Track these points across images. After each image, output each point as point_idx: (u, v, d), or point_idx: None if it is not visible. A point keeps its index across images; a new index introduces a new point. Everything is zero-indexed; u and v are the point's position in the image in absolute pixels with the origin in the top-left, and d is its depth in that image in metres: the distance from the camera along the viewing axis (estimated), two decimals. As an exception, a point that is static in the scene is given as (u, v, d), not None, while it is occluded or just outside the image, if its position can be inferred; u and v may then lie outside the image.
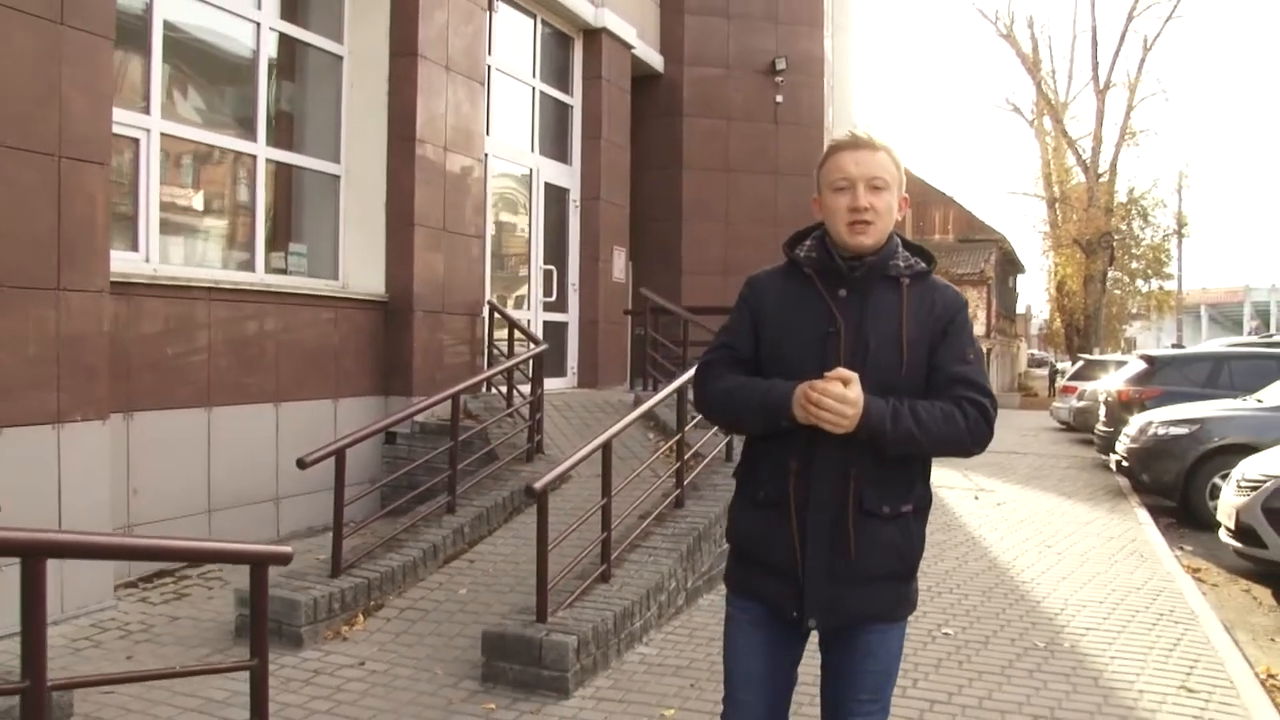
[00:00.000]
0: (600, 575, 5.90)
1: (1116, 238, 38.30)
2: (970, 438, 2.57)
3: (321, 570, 6.22)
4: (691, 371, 7.05)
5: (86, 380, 6.04)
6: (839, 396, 2.43)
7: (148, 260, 7.34)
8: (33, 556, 2.58)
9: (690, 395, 5.55)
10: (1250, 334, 48.12)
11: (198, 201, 8.26)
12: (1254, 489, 7.81)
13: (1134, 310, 44.92)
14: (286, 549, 3.39)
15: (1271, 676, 5.55)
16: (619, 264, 13.40)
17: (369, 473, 8.63)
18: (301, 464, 6.01)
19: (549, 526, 5.44)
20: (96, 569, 6.10)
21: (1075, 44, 50.05)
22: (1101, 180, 37.33)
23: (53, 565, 5.47)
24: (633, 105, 13.85)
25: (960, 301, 2.70)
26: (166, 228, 7.67)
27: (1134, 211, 39.23)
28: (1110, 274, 39.47)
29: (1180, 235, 40.22)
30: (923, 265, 2.69)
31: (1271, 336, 19.87)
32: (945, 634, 6.00)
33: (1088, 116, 38.34)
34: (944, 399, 2.57)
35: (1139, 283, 42.17)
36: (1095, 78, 37.73)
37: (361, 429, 6.85)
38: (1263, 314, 78.41)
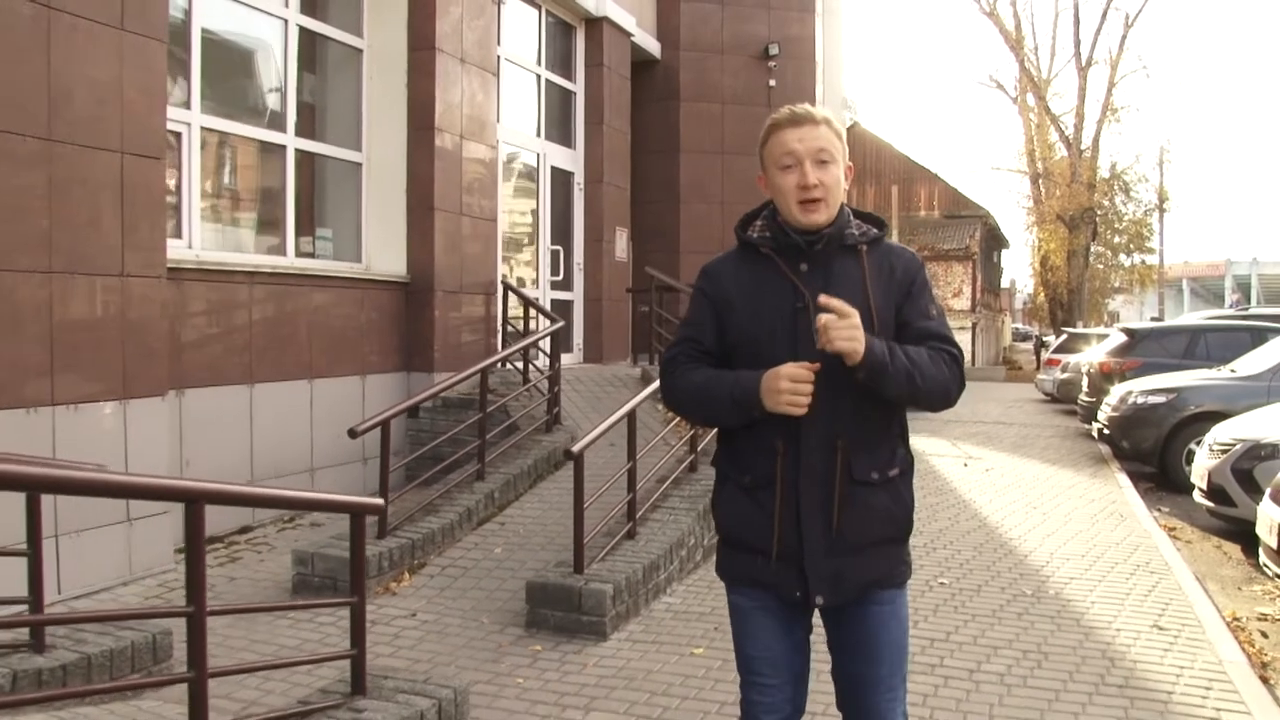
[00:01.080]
0: (627, 533, 6.46)
1: (1099, 213, 38.93)
2: (952, 384, 2.61)
3: (368, 532, 6.73)
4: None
5: (147, 360, 6.54)
6: (848, 315, 2.42)
7: (190, 246, 7.81)
8: (194, 502, 3.10)
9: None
10: (1231, 307, 48.86)
11: (233, 190, 8.75)
12: (1224, 452, 8.39)
13: (1116, 284, 45.54)
14: (378, 501, 3.93)
15: (1236, 619, 6.12)
16: (621, 244, 13.92)
17: (394, 444, 9.12)
18: (353, 433, 6.55)
19: (584, 477, 5.98)
20: (160, 535, 6.62)
21: (1057, 21, 50.69)
22: (1084, 156, 37.87)
23: (122, 531, 6.05)
24: (631, 90, 14.33)
25: (917, 262, 2.72)
26: (206, 215, 8.16)
27: (1116, 187, 39.88)
28: (1093, 249, 40.12)
29: (1162, 210, 40.84)
30: (875, 231, 2.70)
31: (1248, 310, 20.45)
32: (941, 584, 6.57)
33: (1070, 93, 38.91)
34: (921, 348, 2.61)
35: (1121, 257, 42.81)
36: (1077, 55, 38.28)
37: (405, 400, 7.45)
38: (1244, 287, 79.26)
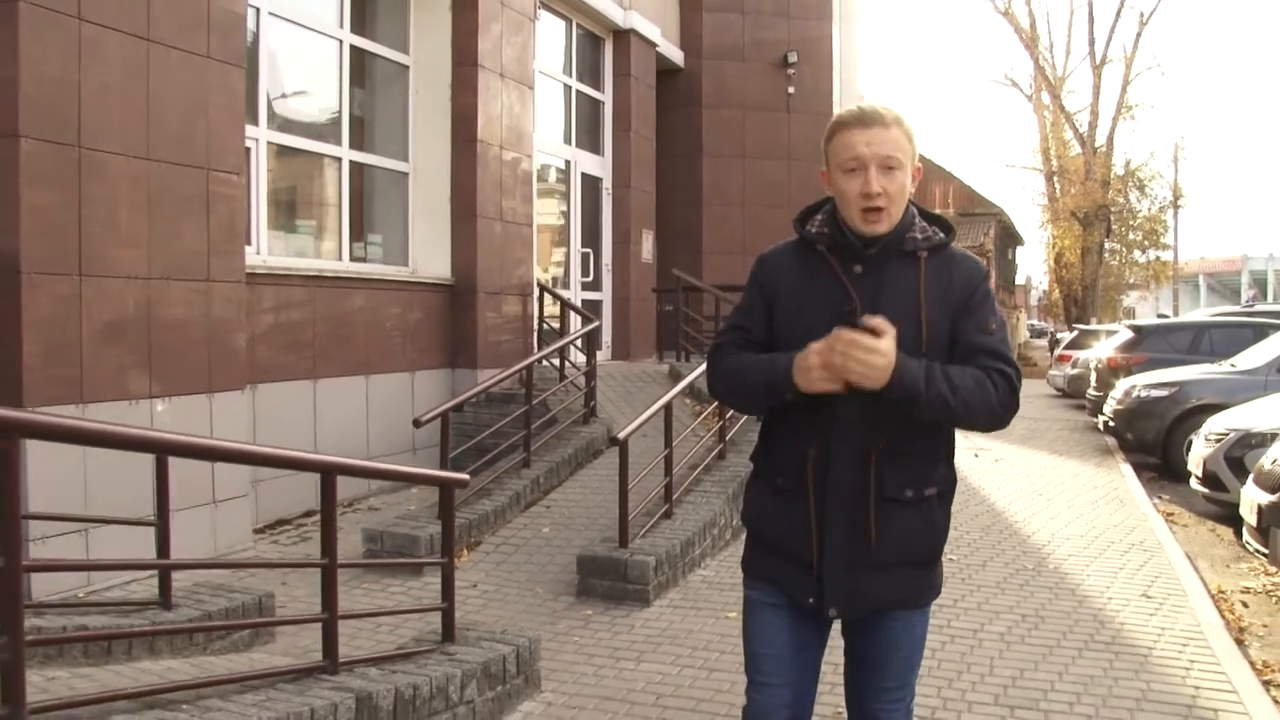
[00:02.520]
0: (665, 513, 7.12)
1: (1113, 210, 39.32)
2: (1000, 407, 2.49)
3: (429, 514, 7.41)
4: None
5: (229, 357, 7.23)
6: (870, 347, 2.31)
7: (259, 253, 8.49)
8: (329, 473, 3.77)
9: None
10: (1247, 303, 49.18)
11: (294, 199, 9.44)
12: (1219, 441, 9.00)
13: (1131, 281, 45.90)
14: (465, 476, 4.60)
15: (1221, 591, 6.73)
16: (647, 246, 14.59)
17: (435, 434, 9.80)
18: (417, 423, 7.25)
19: (618, 472, 6.64)
20: (241, 517, 7.31)
21: (1072, 19, 50.98)
22: (1099, 153, 38.28)
23: (209, 513, 6.70)
24: (656, 98, 15.00)
25: (981, 272, 2.61)
26: (271, 223, 8.83)
27: (1130, 184, 40.21)
28: (1107, 245, 40.51)
29: (1176, 207, 41.21)
30: (941, 236, 2.60)
31: (1252, 307, 20.99)
32: (950, 559, 7.20)
33: (1085, 91, 39.23)
34: (971, 368, 2.49)
35: (1136, 253, 43.15)
36: (1092, 53, 38.65)
37: (462, 394, 8.16)
38: (1260, 283, 79.30)
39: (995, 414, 2.49)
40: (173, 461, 6.37)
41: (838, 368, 2.34)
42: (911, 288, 2.52)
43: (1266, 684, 5.01)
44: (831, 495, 2.52)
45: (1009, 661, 5.22)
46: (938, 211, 2.67)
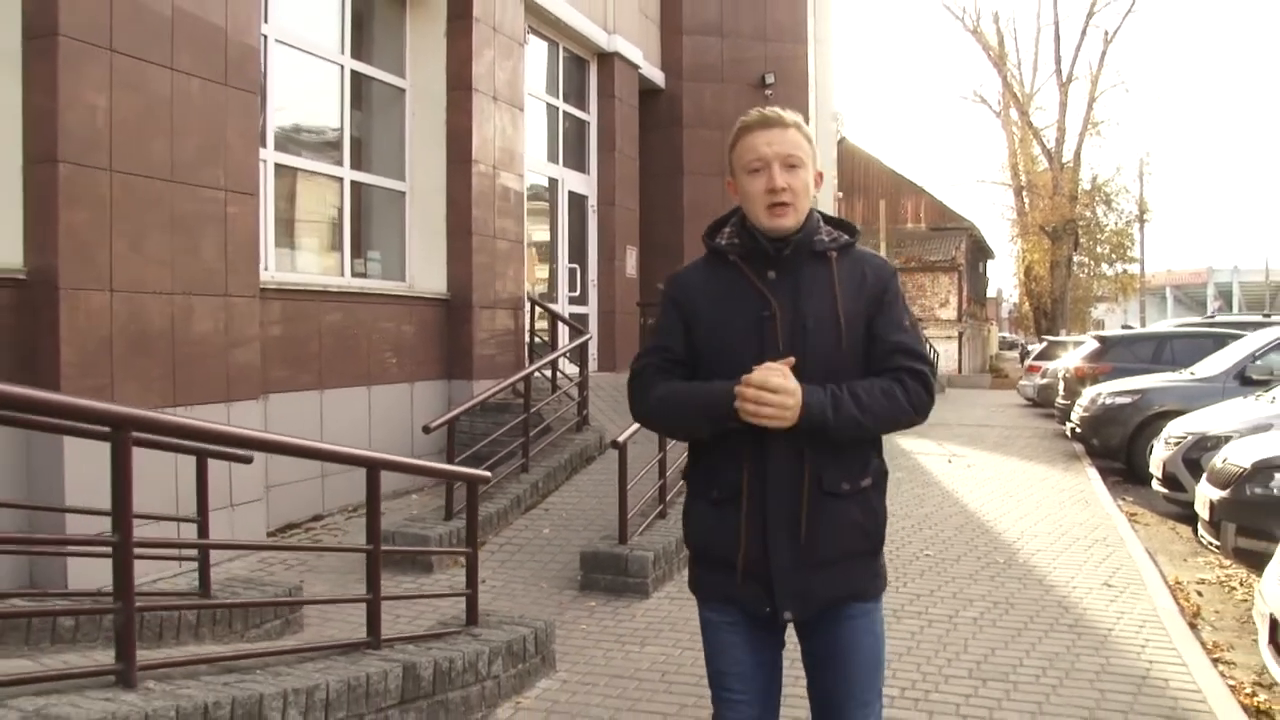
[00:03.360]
0: (659, 513, 7.58)
1: (1081, 224, 40.17)
2: (913, 409, 2.56)
3: (435, 516, 7.83)
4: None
5: (245, 369, 7.63)
6: (778, 388, 2.39)
7: (266, 269, 8.88)
8: (374, 468, 4.20)
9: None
10: (1213, 314, 50.09)
11: (298, 218, 9.85)
12: (1177, 444, 9.52)
13: (1099, 293, 46.72)
14: (487, 473, 5.04)
15: (1178, 583, 7.23)
16: (631, 262, 15.06)
17: (439, 444, 10.21)
18: (426, 429, 7.68)
19: (613, 475, 7.09)
20: (257, 519, 7.69)
21: (1039, 37, 51.60)
22: (1066, 169, 39.08)
23: (225, 516, 7.08)
24: (639, 118, 15.48)
25: (890, 270, 2.66)
26: (278, 241, 9.24)
27: (1097, 199, 41.07)
28: (1075, 258, 41.32)
29: (1142, 221, 42.09)
30: (846, 237, 2.65)
31: (1213, 318, 21.66)
32: (926, 555, 7.68)
33: (1052, 107, 40.16)
34: (885, 371, 2.55)
35: (1104, 266, 43.99)
36: (1058, 71, 39.59)
37: (459, 403, 8.51)
38: (1225, 294, 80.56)
39: (908, 417, 2.56)
40: (182, 480, 6.81)
41: (750, 415, 2.40)
42: (826, 287, 2.56)
43: (1215, 660, 5.51)
44: (771, 498, 2.52)
45: (981, 642, 5.69)
46: (843, 223, 2.72)
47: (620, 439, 6.95)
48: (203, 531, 5.23)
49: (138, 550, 3.11)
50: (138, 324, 6.73)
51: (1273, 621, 4.74)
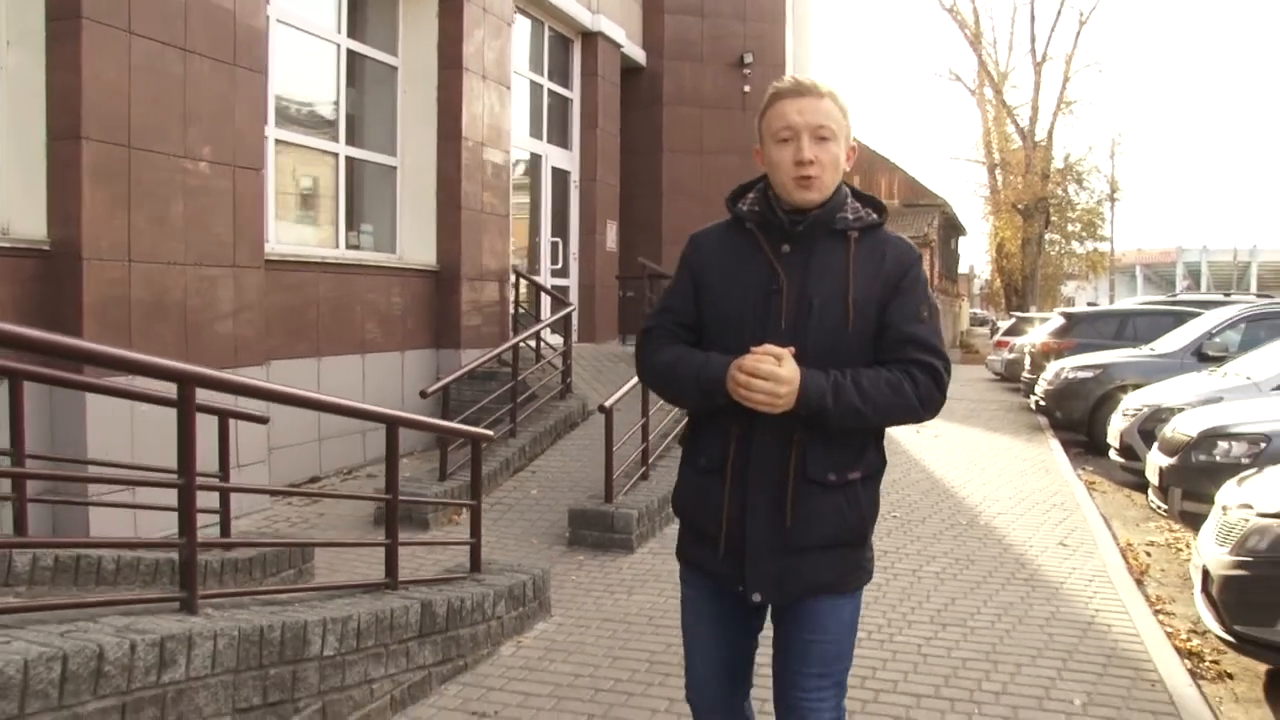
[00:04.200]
0: (642, 475, 8.03)
1: (1053, 202, 40.67)
2: (920, 405, 2.45)
3: (430, 478, 8.25)
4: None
5: (251, 335, 8.02)
6: (769, 374, 2.31)
7: (268, 241, 9.24)
8: (393, 425, 4.62)
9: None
10: (1181, 292, 50.90)
11: (298, 191, 10.21)
12: (1134, 415, 10.04)
13: (1069, 270, 47.35)
14: (489, 432, 5.48)
15: (1129, 544, 7.74)
16: (611, 236, 15.49)
17: (427, 409, 10.61)
18: (423, 394, 8.10)
19: (596, 440, 7.53)
20: (259, 480, 8.09)
21: (1015, 17, 52.22)
22: (1039, 147, 39.58)
23: (233, 476, 7.41)
24: (620, 95, 15.87)
25: (913, 255, 2.56)
26: (279, 213, 9.59)
27: (1069, 177, 41.57)
28: (1047, 236, 41.88)
29: (1113, 200, 42.74)
30: (874, 217, 2.55)
31: (1175, 296, 22.28)
32: (894, 516, 8.17)
33: (1026, 86, 40.64)
34: (894, 362, 2.45)
35: (1074, 244, 44.57)
36: (1033, 50, 39.99)
37: (448, 371, 8.92)
38: (1194, 273, 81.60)
39: (914, 413, 2.46)
40: (207, 429, 7.20)
41: (742, 399, 2.34)
42: (840, 267, 2.47)
43: (1157, 611, 6.01)
44: (753, 475, 2.47)
45: (943, 593, 6.18)
46: (873, 201, 2.61)
47: (607, 404, 7.39)
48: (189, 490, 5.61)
49: (158, 502, 3.51)
50: (153, 293, 7.11)
51: (1205, 572, 5.22)
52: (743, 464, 2.48)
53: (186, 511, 3.47)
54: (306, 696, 3.67)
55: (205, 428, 6.07)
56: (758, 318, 2.46)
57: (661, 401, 9.22)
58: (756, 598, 2.51)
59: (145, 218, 7.02)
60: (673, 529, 7.70)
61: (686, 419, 2.74)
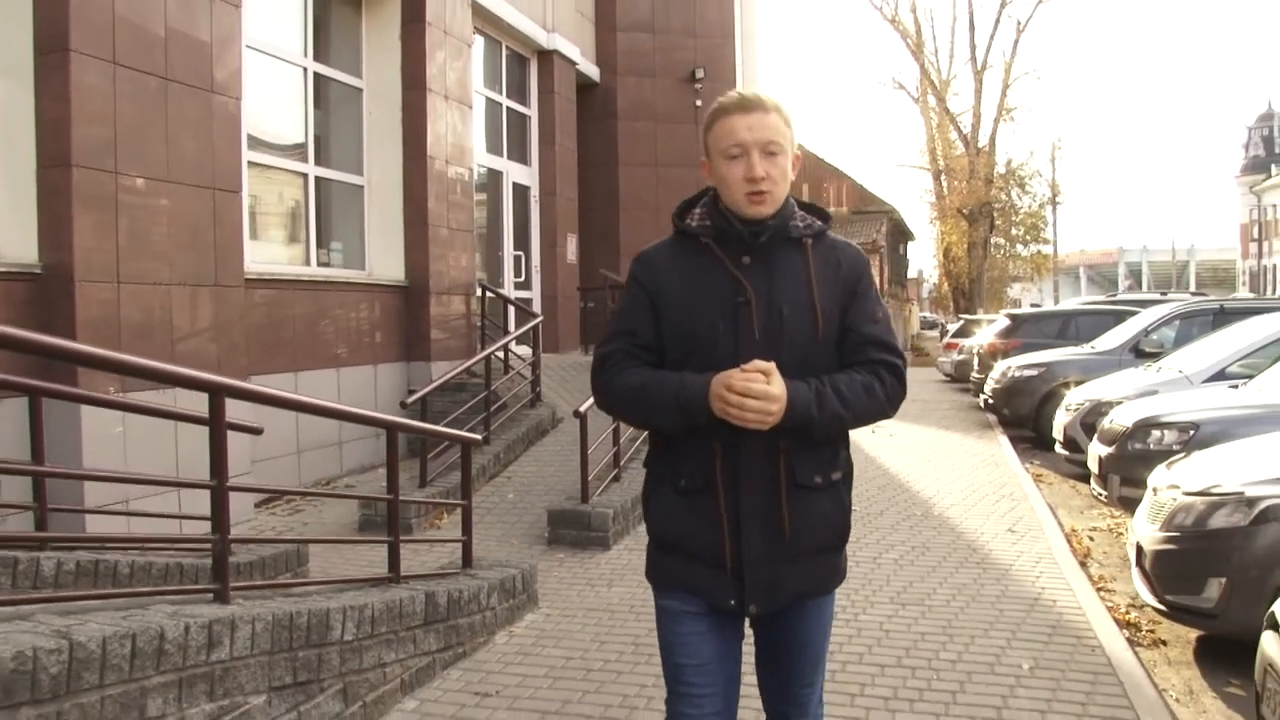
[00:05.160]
0: (614, 477, 8.42)
1: (997, 207, 41.45)
2: (888, 403, 2.52)
3: (411, 485, 8.58)
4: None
5: (232, 351, 8.32)
6: (761, 394, 2.31)
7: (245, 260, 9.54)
8: (392, 430, 4.98)
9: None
10: (1123, 292, 52.15)
11: (270, 211, 10.50)
12: (1076, 410, 10.57)
13: (1015, 273, 48.26)
14: (478, 436, 5.83)
15: (1074, 530, 8.22)
16: (571, 248, 15.89)
17: (404, 419, 10.94)
18: (404, 404, 8.44)
19: (566, 446, 7.90)
20: (245, 493, 8.38)
21: (955, 26, 53.12)
22: (982, 153, 40.37)
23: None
24: (576, 111, 16.27)
25: (863, 260, 2.61)
26: (252, 233, 9.89)
27: (1012, 182, 42.42)
28: (992, 240, 42.70)
29: (1055, 203, 43.77)
30: (820, 224, 2.58)
31: (1114, 297, 23.00)
32: (854, 510, 8.54)
33: (968, 94, 41.30)
34: (858, 364, 2.51)
35: (1019, 247, 45.46)
36: (973, 59, 40.72)
37: (424, 381, 9.30)
38: (1135, 273, 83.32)
39: (884, 411, 2.52)
40: (193, 442, 7.48)
41: (733, 418, 2.33)
42: (802, 274, 2.50)
43: (1098, 589, 6.48)
44: (744, 489, 2.46)
45: (901, 577, 6.62)
46: (815, 209, 2.65)
47: (582, 409, 7.78)
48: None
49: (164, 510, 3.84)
50: (141, 312, 7.40)
51: (1139, 548, 5.70)
52: (731, 479, 2.46)
53: (220, 511, 3.80)
54: (330, 677, 4.02)
55: (195, 438, 6.42)
56: (728, 331, 2.45)
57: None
58: (753, 609, 2.52)
59: (131, 240, 7.31)
60: (643, 528, 8.12)
61: (650, 437, 2.69)
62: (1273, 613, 3.74)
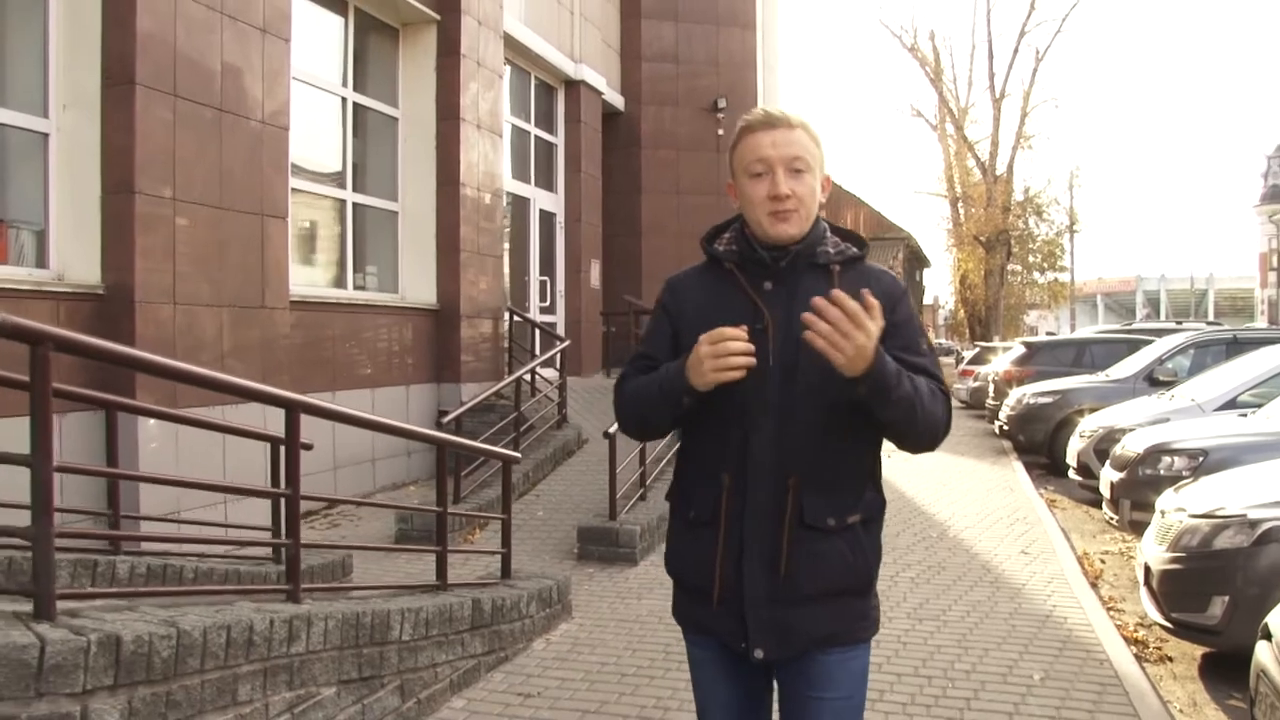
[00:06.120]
0: (640, 496, 8.74)
1: (1014, 234, 41.73)
2: (943, 420, 2.37)
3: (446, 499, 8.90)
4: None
5: (277, 370, 8.68)
6: (853, 311, 2.11)
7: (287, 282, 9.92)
8: (442, 446, 5.31)
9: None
10: (1141, 321, 52.28)
11: (311, 235, 10.90)
12: (1090, 436, 10.85)
13: (1032, 300, 48.47)
14: (518, 454, 6.17)
15: (1085, 554, 8.50)
16: (595, 274, 16.27)
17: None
18: (440, 423, 8.74)
19: (593, 466, 8.23)
20: (257, 508, 8.69)
21: (974, 55, 53.36)
22: (999, 181, 40.65)
23: (252, 502, 8.03)
24: (601, 140, 16.69)
25: (900, 289, 2.45)
26: (295, 257, 10.26)
27: (1029, 210, 42.70)
28: (1009, 267, 42.96)
29: (1073, 231, 43.96)
30: (854, 250, 2.45)
31: (1130, 325, 23.26)
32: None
33: (986, 122, 41.62)
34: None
35: (1036, 275, 45.70)
36: (991, 87, 41.08)
37: (454, 402, 9.68)
38: (1153, 301, 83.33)
39: (937, 427, 2.36)
40: (229, 461, 7.83)
41: (826, 335, 2.13)
42: None
43: (1108, 608, 6.76)
44: (749, 525, 2.35)
45: (918, 594, 6.91)
46: (852, 235, 2.51)
47: (611, 430, 8.10)
48: (292, 506, 6.29)
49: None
50: (194, 332, 7.79)
51: (1146, 568, 5.99)
52: (738, 512, 2.36)
53: (292, 518, 4.14)
54: (389, 674, 4.35)
55: (243, 451, 6.77)
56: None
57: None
58: (759, 654, 2.36)
59: (187, 263, 7.70)
60: (670, 544, 8.43)
61: (675, 470, 2.61)
62: (1266, 623, 4.03)
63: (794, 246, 2.39)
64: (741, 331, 2.22)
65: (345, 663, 4.04)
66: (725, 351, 2.20)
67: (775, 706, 2.58)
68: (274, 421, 8.87)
